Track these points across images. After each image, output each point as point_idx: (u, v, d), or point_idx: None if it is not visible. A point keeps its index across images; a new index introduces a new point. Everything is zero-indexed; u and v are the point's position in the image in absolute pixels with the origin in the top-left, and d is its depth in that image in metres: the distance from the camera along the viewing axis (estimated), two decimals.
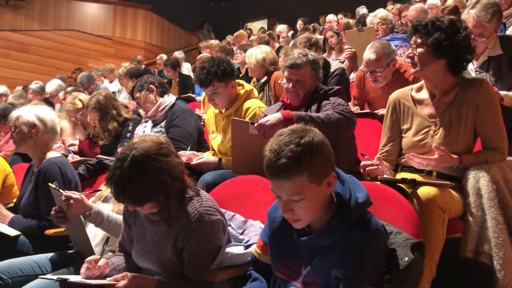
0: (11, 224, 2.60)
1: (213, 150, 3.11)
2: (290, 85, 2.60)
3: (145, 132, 3.30)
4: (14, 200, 2.93)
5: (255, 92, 3.12)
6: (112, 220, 2.14)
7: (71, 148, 4.11)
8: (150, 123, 3.38)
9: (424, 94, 2.26)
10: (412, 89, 2.32)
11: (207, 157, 2.93)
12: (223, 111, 2.99)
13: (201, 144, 3.36)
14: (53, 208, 2.21)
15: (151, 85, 3.33)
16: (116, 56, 11.54)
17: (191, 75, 6.70)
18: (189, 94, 5.67)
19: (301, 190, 1.40)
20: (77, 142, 4.16)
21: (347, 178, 1.55)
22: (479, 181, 2.04)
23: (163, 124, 3.30)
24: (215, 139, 3.09)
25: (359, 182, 1.57)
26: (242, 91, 2.99)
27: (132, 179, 1.62)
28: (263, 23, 13.94)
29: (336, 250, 1.45)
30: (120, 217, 2.14)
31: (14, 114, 2.70)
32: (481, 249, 1.99)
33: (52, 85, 6.35)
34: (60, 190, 2.11)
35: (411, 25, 2.21)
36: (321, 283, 1.49)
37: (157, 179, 1.65)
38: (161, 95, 3.36)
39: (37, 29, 11.07)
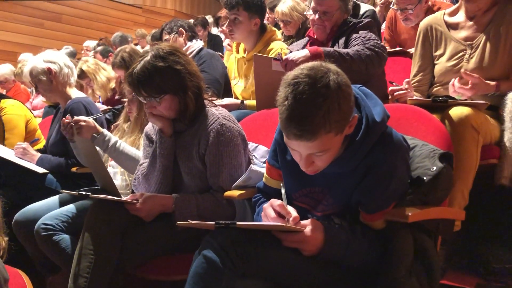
0: (40, 162, 2.64)
1: (236, 97, 3.05)
2: (316, 16, 2.49)
3: None
4: (42, 139, 2.97)
5: (278, 34, 3.02)
6: (120, 147, 2.11)
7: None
8: None
9: (459, 17, 2.13)
10: (444, 14, 2.18)
11: (228, 99, 2.88)
12: (245, 55, 2.91)
13: (228, 90, 3.31)
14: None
15: (180, 28, 3.28)
16: (146, 24, 11.52)
17: (221, 35, 6.62)
18: (218, 53, 5.60)
19: (326, 146, 1.21)
20: None
21: (359, 93, 1.34)
22: None
23: None
24: (237, 85, 3.03)
25: (370, 92, 1.36)
26: (264, 34, 2.89)
27: (153, 69, 1.70)
28: None
29: (356, 173, 1.32)
30: (130, 149, 2.14)
31: (25, 71, 2.73)
32: None
33: (91, 42, 6.45)
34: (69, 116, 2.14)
35: None
36: (340, 209, 1.38)
37: (175, 70, 1.73)
38: (190, 39, 3.31)
39: None
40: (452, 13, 2.17)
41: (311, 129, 1.15)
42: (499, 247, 2.06)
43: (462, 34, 2.09)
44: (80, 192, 1.76)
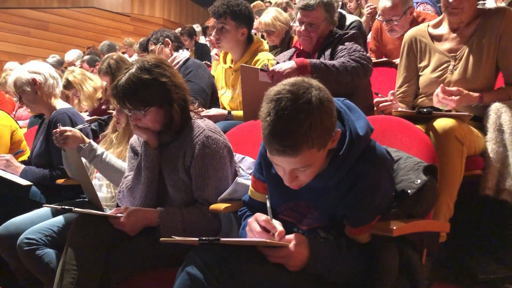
0: (24, 174, 2.61)
1: (224, 108, 3.05)
2: (303, 28, 2.50)
3: None
4: (26, 150, 2.93)
5: (265, 44, 3.03)
6: (106, 159, 2.09)
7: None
8: None
9: (443, 29, 2.15)
10: (428, 26, 2.21)
11: (215, 110, 2.88)
12: (232, 65, 2.91)
13: (215, 100, 3.30)
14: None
15: (166, 39, 3.27)
16: (134, 33, 11.49)
17: (208, 44, 6.63)
18: (205, 62, 5.60)
19: (309, 162, 1.21)
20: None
21: (342, 107, 1.33)
22: (501, 116, 1.95)
23: None
24: (224, 95, 3.03)
25: (354, 105, 1.36)
26: (251, 45, 2.89)
27: (138, 81, 1.69)
28: None
29: (341, 187, 1.32)
30: (116, 161, 2.11)
31: (10, 81, 2.68)
32: (502, 186, 1.89)
33: (72, 54, 6.41)
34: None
35: None
36: (325, 223, 1.38)
37: (160, 83, 1.71)
38: (176, 50, 3.31)
39: (56, 6, 11.10)
40: (436, 25, 2.19)
41: (294, 145, 1.15)
42: (484, 258, 2.06)
43: (446, 45, 2.12)
44: (63, 207, 1.73)
